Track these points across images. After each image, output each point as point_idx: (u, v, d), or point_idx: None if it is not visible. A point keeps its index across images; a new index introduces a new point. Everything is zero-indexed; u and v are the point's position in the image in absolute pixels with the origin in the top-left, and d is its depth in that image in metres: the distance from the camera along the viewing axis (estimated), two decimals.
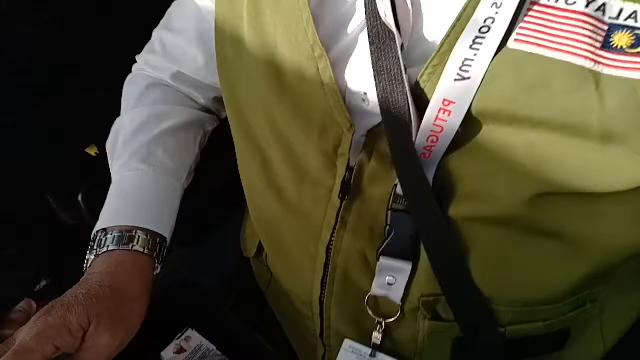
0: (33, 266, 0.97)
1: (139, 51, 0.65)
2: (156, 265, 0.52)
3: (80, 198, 0.94)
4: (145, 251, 0.51)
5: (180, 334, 0.54)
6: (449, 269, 0.42)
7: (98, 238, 0.51)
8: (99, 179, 1.01)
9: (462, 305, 0.43)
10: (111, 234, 0.51)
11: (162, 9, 0.62)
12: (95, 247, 0.51)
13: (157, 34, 0.62)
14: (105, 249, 0.50)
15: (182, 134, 0.59)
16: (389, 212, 0.42)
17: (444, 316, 0.45)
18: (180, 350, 0.53)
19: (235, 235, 0.68)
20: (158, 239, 0.52)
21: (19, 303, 1.00)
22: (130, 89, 0.63)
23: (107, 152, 0.60)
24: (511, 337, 0.45)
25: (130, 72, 0.66)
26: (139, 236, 0.51)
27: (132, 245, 0.50)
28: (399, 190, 0.41)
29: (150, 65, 0.63)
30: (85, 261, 0.52)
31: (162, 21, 0.63)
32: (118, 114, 0.63)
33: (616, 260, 0.41)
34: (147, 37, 0.64)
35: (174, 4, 0.61)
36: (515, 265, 0.42)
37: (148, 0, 0.70)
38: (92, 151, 1.03)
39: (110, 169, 0.58)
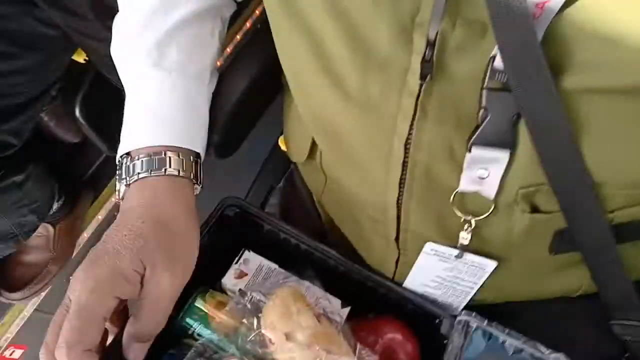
0: (44, 190, 0.94)
1: None
2: (195, 186, 0.47)
3: (77, 113, 0.86)
4: (181, 173, 0.45)
5: (237, 258, 0.50)
6: (558, 153, 0.36)
7: (124, 164, 0.45)
8: (94, 88, 0.93)
9: (570, 194, 0.38)
10: (138, 159, 0.44)
11: None
12: (123, 176, 0.45)
13: None
14: (135, 177, 0.44)
15: (196, 26, 0.49)
16: (484, 91, 0.35)
17: (544, 208, 0.40)
18: (241, 275, 0.49)
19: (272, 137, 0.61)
20: (191, 157, 0.46)
21: (36, 228, 0.98)
22: None
23: (113, 57, 0.50)
24: (618, 222, 0.41)
25: None
26: (169, 157, 0.44)
27: (165, 169, 0.44)
28: (497, 63, 0.34)
29: None
30: (116, 192, 0.46)
31: None
32: None
33: None
34: None
35: None
36: (635, 141, 0.36)
37: None
38: (80, 57, 0.92)
39: (121, 79, 0.49)
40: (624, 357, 0.49)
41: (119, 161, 0.46)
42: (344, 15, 0.37)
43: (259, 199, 0.67)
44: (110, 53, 0.51)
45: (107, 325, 0.40)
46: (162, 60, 0.47)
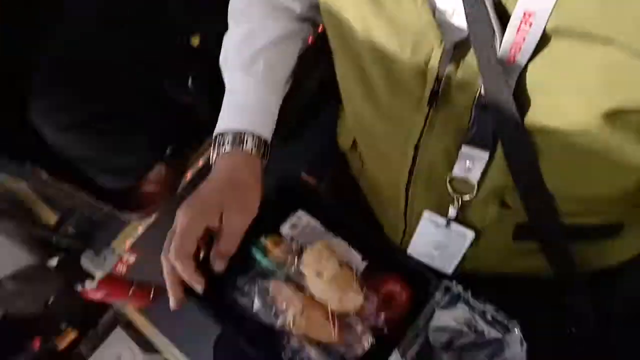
0: (161, 138, 1.16)
1: None
2: (263, 161, 0.65)
3: (189, 83, 1.07)
4: (253, 152, 0.63)
5: (293, 214, 0.68)
6: (521, 167, 0.48)
7: (217, 140, 0.64)
8: (203, 67, 1.14)
9: (530, 199, 0.50)
10: (227, 137, 0.63)
11: None
12: (216, 147, 0.64)
13: None
14: (223, 149, 0.63)
15: (282, 46, 0.66)
16: (474, 108, 0.48)
17: (510, 204, 0.53)
18: (294, 226, 0.68)
19: (331, 130, 0.78)
20: (262, 140, 0.64)
21: (153, 167, 1.22)
22: (234, 3, 0.69)
23: (220, 66, 0.69)
24: (569, 225, 0.52)
25: None
26: (247, 139, 0.63)
27: (243, 147, 0.63)
28: (483, 91, 0.46)
29: None
30: (210, 158, 0.66)
31: None
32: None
33: None
34: None
35: None
36: (583, 169, 0.47)
37: None
38: (195, 42, 1.12)
39: (224, 79, 0.68)
40: (569, 329, 0.61)
41: (215, 137, 0.65)
42: (380, 57, 0.51)
43: (320, 178, 0.85)
44: None
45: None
46: (250, 70, 0.64)
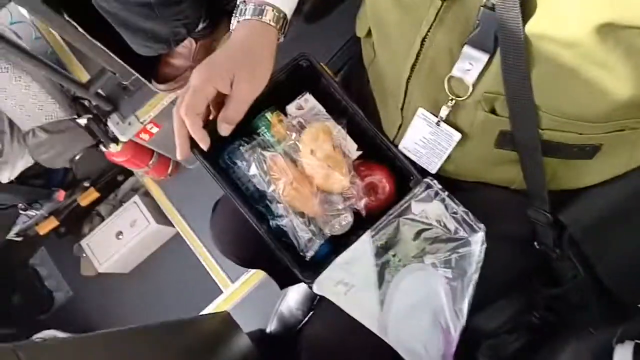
0: (195, 11, 1.16)
1: None
2: (279, 36, 0.67)
3: None
4: (272, 23, 0.65)
5: (300, 95, 0.72)
6: (513, 73, 0.50)
7: (240, 7, 0.67)
8: None
9: (517, 106, 0.53)
10: (249, 6, 0.65)
11: None
12: (237, 15, 0.67)
13: None
14: (243, 17, 0.65)
15: None
16: (481, 8, 0.50)
17: (498, 112, 0.56)
18: (299, 107, 0.72)
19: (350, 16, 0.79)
20: (282, 14, 0.66)
21: (183, 39, 1.24)
22: None
23: None
24: (547, 139, 0.55)
25: None
26: (267, 10, 0.65)
27: (261, 17, 0.65)
28: None
29: None
30: (231, 24, 0.68)
31: None
32: None
33: None
34: None
35: None
36: (569, 83, 0.49)
37: None
38: None
39: None
40: (534, 241, 0.66)
41: (237, 5, 0.67)
42: None
43: (336, 66, 0.87)
44: None
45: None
46: None
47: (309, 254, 0.65)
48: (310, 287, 0.63)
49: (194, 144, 0.65)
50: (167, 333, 0.71)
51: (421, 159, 0.67)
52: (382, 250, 0.61)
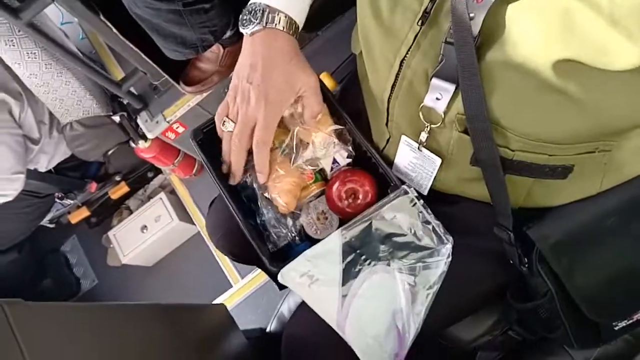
0: (223, 19, 1.22)
1: None
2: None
3: None
4: (285, 29, 0.66)
5: None
6: (471, 96, 0.53)
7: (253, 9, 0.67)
8: None
9: (477, 128, 0.55)
10: (254, 11, 0.66)
11: None
12: (247, 17, 0.67)
13: None
14: (252, 29, 0.66)
15: None
16: (443, 44, 0.53)
17: (470, 133, 0.57)
18: None
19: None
20: (293, 24, 0.67)
21: (211, 45, 1.29)
22: None
23: None
24: (519, 159, 0.57)
25: None
26: (280, 17, 0.66)
27: (275, 24, 0.65)
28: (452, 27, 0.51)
29: None
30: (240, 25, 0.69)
31: None
32: None
33: (620, 126, 0.50)
34: None
35: None
36: (530, 109, 0.51)
37: None
38: None
39: None
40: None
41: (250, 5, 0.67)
42: None
43: (340, 76, 0.91)
44: None
45: None
46: None
47: (279, 246, 0.69)
48: (276, 277, 0.65)
49: (192, 136, 0.70)
50: (160, 313, 0.75)
51: (412, 182, 0.70)
52: (350, 249, 0.63)
